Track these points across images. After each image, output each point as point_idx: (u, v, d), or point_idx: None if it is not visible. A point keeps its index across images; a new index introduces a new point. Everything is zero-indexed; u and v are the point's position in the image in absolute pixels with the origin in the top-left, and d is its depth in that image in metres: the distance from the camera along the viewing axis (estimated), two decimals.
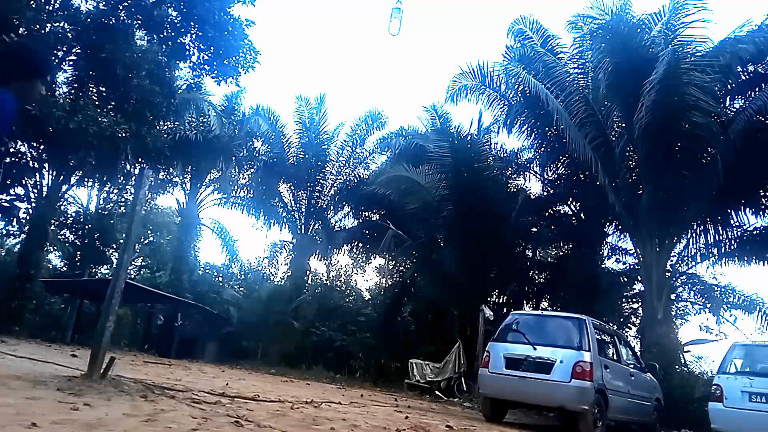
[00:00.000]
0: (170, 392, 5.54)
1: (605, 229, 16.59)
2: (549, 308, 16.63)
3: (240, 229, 77.17)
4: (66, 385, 4.81)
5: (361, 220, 22.32)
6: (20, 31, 12.83)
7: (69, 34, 14.36)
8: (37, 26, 13.51)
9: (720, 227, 14.59)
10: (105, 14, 14.29)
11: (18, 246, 22.30)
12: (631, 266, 16.68)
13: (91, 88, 15.45)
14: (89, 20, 14.07)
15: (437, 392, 13.38)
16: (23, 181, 16.41)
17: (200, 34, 15.14)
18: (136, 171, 16.02)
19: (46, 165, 16.61)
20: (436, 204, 15.33)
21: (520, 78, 14.35)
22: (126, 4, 14.63)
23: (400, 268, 20.35)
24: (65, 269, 23.66)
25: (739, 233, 14.65)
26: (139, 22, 14.82)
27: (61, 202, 19.89)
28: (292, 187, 23.13)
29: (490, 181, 15.35)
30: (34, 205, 16.94)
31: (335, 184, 22.93)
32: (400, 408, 8.43)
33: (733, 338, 14.50)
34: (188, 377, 8.67)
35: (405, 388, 14.10)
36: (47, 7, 14.23)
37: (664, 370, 11.10)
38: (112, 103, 14.66)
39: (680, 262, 15.24)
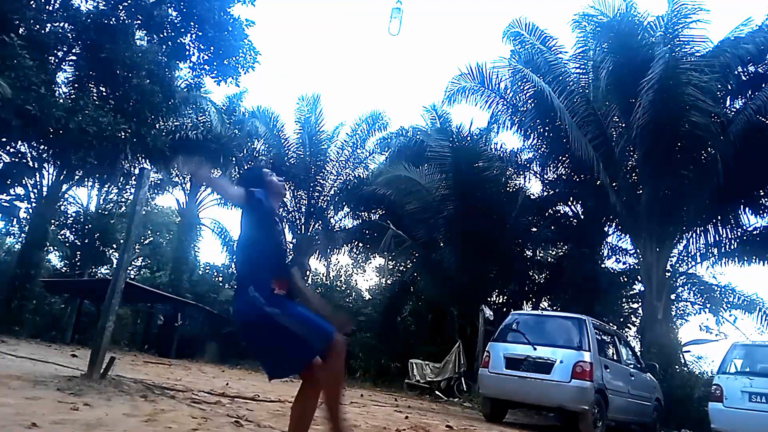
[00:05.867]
0: (170, 392, 5.53)
1: (605, 229, 16.58)
2: (549, 308, 16.62)
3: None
4: (66, 385, 4.80)
5: (361, 220, 22.28)
6: (20, 31, 12.82)
7: (69, 34, 14.36)
8: (37, 26, 13.51)
9: (720, 227, 14.59)
10: (105, 14, 14.30)
11: (18, 246, 22.32)
12: (631, 266, 16.67)
13: (91, 88, 15.44)
14: (89, 20, 14.06)
15: (437, 392, 13.37)
16: (23, 181, 16.40)
17: (200, 34, 15.16)
18: (136, 171, 16.02)
19: (46, 165, 16.61)
20: (436, 204, 15.31)
21: (525, 77, 14.32)
22: (126, 4, 14.64)
23: (400, 268, 20.33)
24: (65, 269, 23.64)
25: (739, 233, 14.65)
26: (139, 22, 14.83)
27: (61, 202, 19.87)
28: (292, 187, 23.09)
29: (490, 181, 15.32)
30: (34, 205, 16.92)
31: (335, 184, 22.89)
32: (400, 408, 8.42)
33: (733, 338, 14.55)
34: (188, 377, 8.67)
35: (405, 388, 14.08)
36: (47, 7, 14.24)
37: (664, 370, 11.10)
38: (112, 103, 14.65)
39: (680, 262, 15.23)
